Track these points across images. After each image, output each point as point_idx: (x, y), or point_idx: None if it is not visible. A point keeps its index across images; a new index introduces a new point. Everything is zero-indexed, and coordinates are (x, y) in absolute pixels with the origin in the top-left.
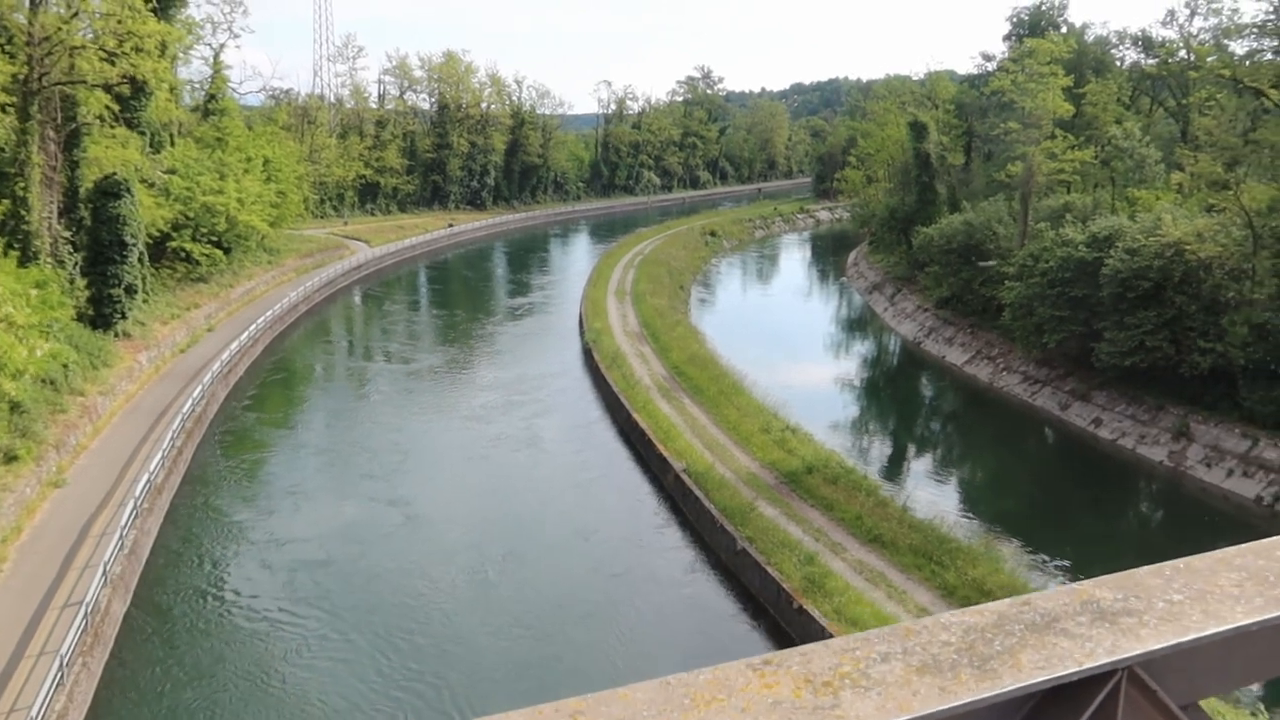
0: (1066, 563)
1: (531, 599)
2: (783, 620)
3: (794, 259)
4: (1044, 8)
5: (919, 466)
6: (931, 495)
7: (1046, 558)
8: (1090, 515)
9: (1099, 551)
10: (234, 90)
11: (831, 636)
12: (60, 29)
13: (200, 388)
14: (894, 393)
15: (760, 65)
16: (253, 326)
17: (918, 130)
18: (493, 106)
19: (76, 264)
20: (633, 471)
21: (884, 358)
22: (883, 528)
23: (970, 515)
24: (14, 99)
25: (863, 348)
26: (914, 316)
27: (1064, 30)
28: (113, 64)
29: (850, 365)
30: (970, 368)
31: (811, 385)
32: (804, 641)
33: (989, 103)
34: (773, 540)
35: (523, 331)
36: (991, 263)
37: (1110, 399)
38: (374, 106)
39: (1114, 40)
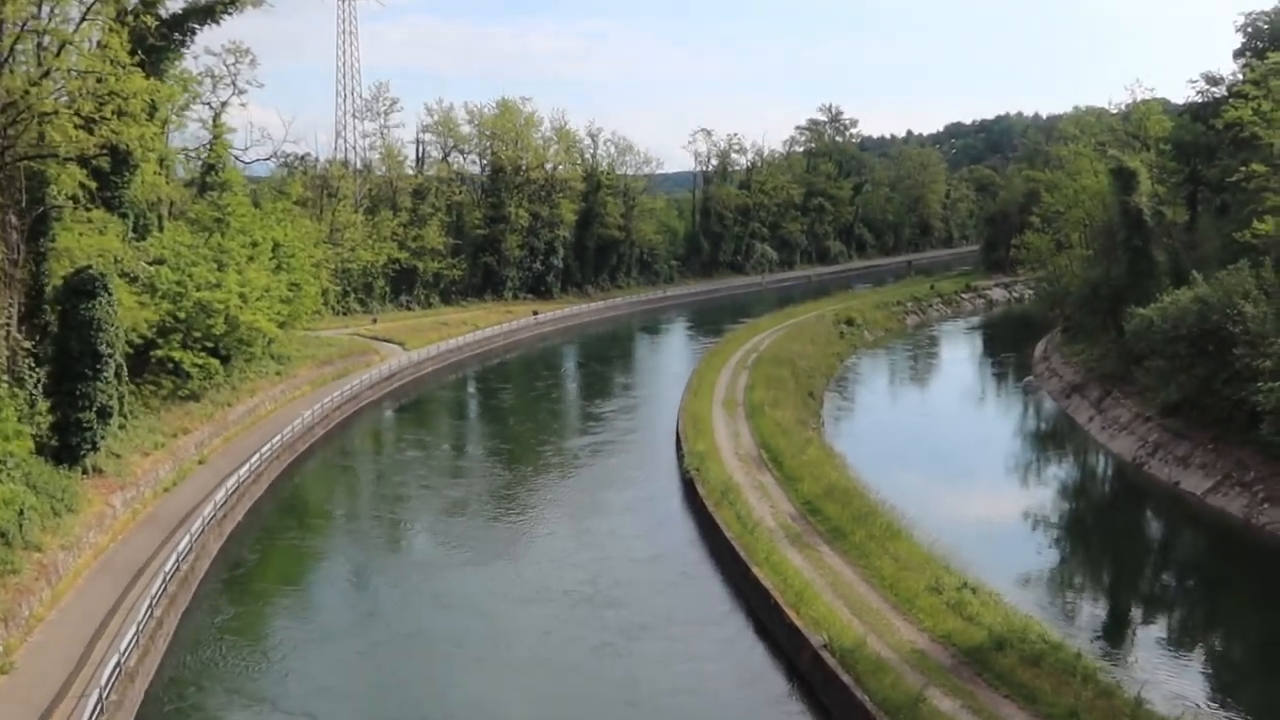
0: None
1: None
2: None
3: (961, 354)
4: None
5: (1150, 638)
6: (1174, 679)
7: None
8: None
9: None
10: (238, 158)
11: None
12: (28, 92)
13: (187, 538)
14: (1109, 534)
15: (905, 103)
16: (255, 458)
17: (1124, 179)
18: (560, 168)
19: (39, 381)
20: (753, 647)
21: (1092, 485)
22: None
23: (1235, 711)
24: None
25: (1061, 472)
26: (1131, 428)
27: None
28: (90, 132)
29: (1045, 497)
30: (1216, 498)
31: (994, 526)
32: None
33: (1219, 139)
34: None
35: (601, 478)
36: None
37: None
38: (411, 173)
39: None
